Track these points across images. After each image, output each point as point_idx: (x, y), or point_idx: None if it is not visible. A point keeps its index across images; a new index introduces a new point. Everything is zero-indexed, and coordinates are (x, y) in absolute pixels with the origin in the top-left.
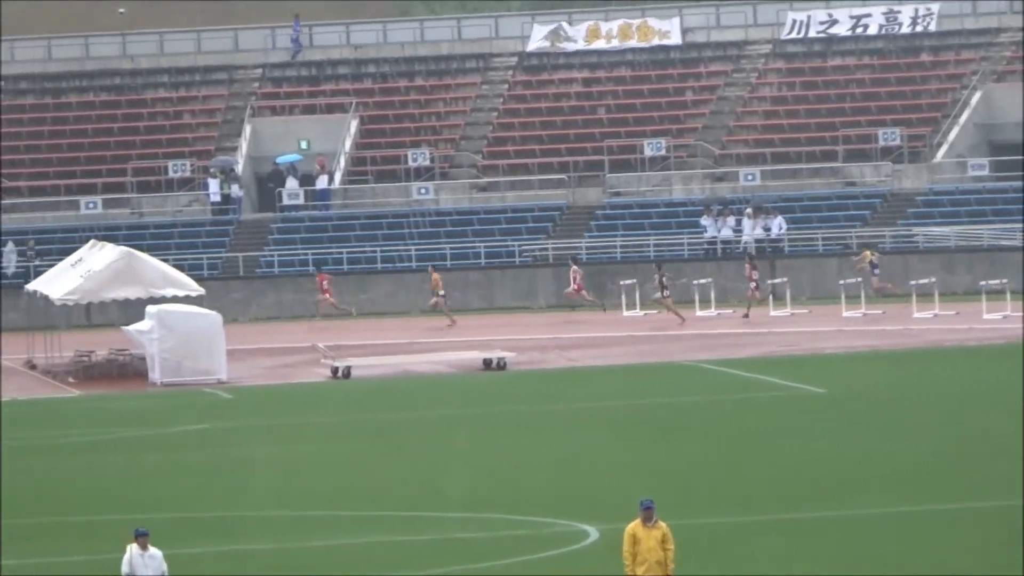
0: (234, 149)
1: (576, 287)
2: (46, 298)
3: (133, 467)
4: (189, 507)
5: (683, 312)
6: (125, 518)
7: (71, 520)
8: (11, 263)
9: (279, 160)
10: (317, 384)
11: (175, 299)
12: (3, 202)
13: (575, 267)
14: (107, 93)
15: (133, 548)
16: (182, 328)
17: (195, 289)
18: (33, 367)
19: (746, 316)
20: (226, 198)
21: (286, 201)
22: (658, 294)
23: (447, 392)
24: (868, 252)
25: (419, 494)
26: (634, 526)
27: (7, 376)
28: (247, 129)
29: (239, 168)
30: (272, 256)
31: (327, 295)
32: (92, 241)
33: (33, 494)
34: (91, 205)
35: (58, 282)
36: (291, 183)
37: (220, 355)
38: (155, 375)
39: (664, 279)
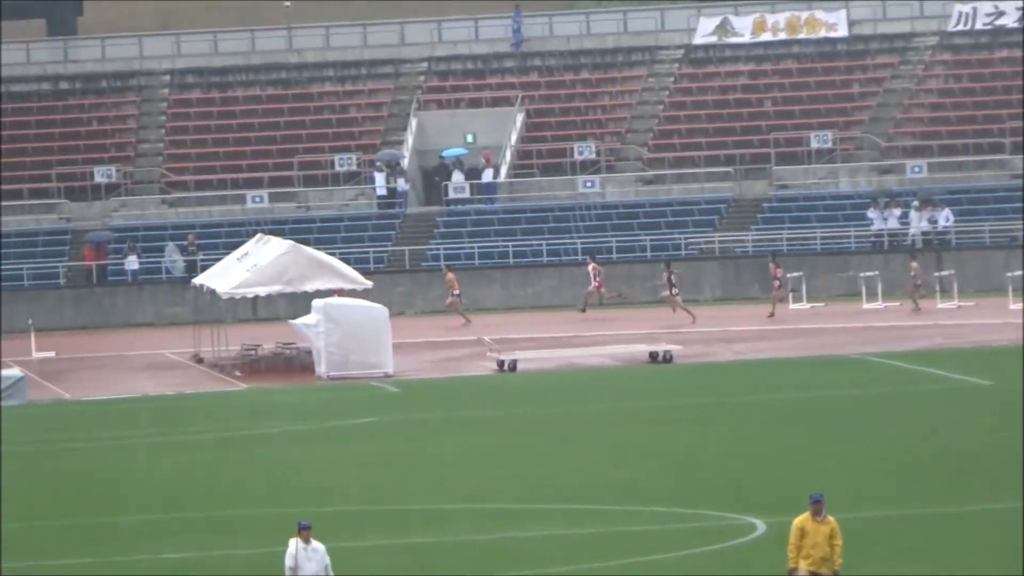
0: (400, 143)
1: (596, 284)
2: (213, 292)
3: (300, 460)
4: (355, 500)
5: (851, 306)
6: (291, 511)
7: (241, 513)
8: (177, 260)
9: (445, 154)
10: (483, 377)
11: (341, 292)
12: (169, 196)
13: (593, 264)
14: (273, 87)
15: (296, 542)
16: (348, 322)
17: (362, 283)
18: (200, 361)
19: (771, 316)
20: (392, 192)
21: (452, 195)
22: (666, 292)
23: (613, 385)
24: (916, 264)
25: (586, 487)
26: (802, 519)
27: (176, 369)
28: (413, 123)
29: (405, 162)
30: (438, 249)
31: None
32: (259, 235)
33: (204, 488)
34: (257, 199)
35: (225, 276)
36: (457, 177)
37: (386, 348)
38: (321, 369)
39: (672, 277)
